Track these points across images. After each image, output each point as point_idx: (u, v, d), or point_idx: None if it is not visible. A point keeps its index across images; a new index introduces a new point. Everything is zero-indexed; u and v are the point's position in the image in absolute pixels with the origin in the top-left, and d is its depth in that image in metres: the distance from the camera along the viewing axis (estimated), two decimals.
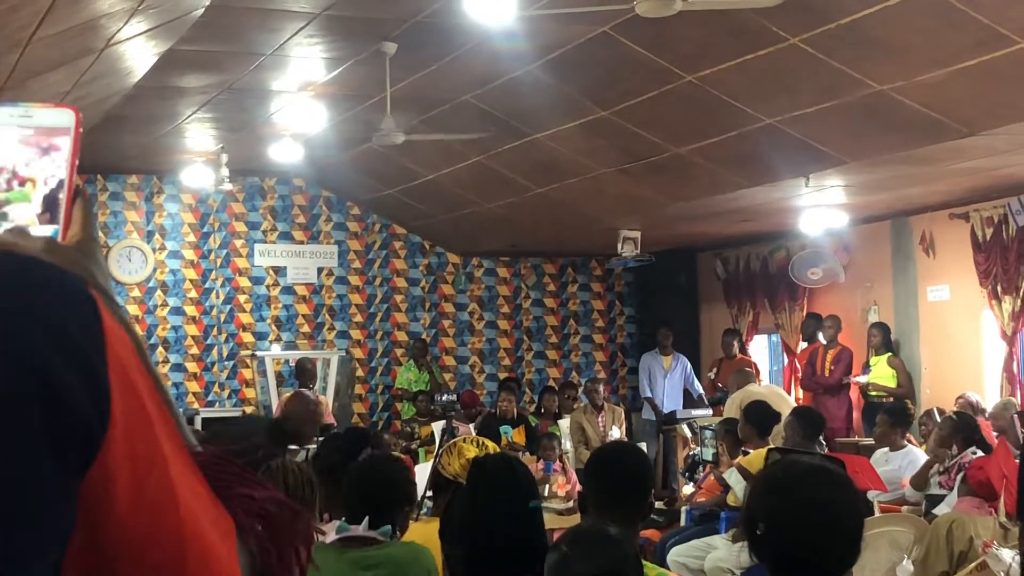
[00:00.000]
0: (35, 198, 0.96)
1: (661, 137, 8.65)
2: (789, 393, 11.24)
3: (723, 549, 7.28)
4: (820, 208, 10.27)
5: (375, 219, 13.37)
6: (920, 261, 10.91)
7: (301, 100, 9.04)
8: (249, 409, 12.41)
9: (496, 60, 7.76)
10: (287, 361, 12.46)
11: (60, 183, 0.97)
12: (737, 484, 7.35)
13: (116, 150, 10.74)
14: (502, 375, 13.57)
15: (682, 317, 13.62)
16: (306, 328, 13.04)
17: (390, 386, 13.24)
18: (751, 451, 7.57)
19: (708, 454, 8.77)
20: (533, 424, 11.01)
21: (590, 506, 3.54)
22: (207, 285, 12.70)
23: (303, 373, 11.27)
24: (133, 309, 12.14)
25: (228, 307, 12.75)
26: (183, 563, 0.86)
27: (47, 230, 0.96)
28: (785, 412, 8.15)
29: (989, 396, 9.87)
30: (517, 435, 10.46)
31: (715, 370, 12.58)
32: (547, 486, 8.51)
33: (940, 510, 7.18)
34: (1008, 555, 5.48)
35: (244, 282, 12.84)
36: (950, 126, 7.16)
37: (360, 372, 13.24)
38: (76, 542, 0.81)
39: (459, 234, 12.94)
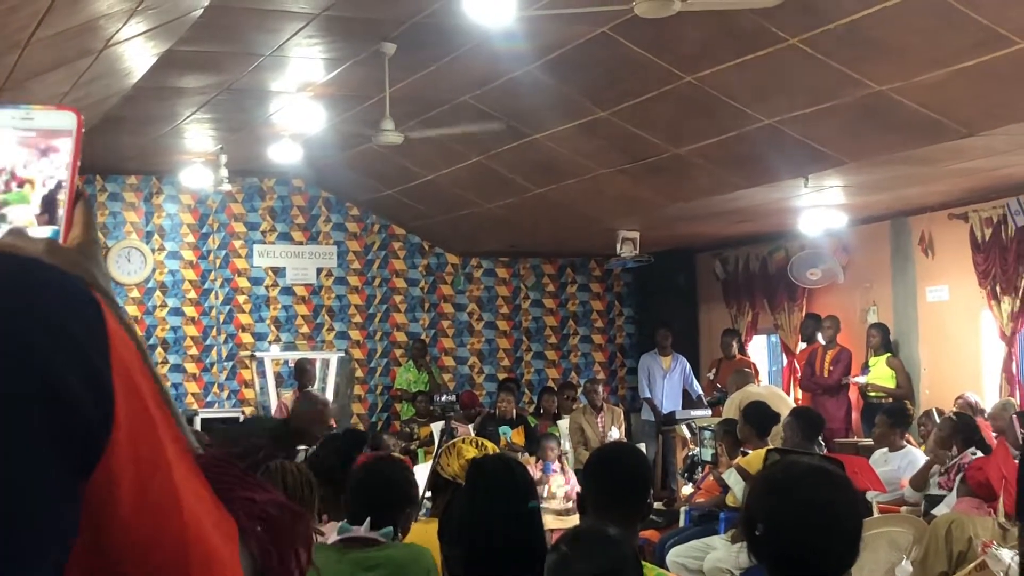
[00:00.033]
0: (33, 199, 0.96)
1: (660, 138, 8.65)
2: (788, 394, 11.24)
3: (722, 550, 7.27)
4: (819, 208, 10.26)
5: (374, 220, 13.36)
6: (919, 261, 10.91)
7: (300, 101, 9.04)
8: (248, 410, 12.40)
9: (495, 61, 7.76)
10: (286, 362, 12.46)
11: (59, 184, 0.97)
12: (736, 485, 7.35)
13: (115, 151, 10.73)
14: (501, 376, 13.57)
15: (681, 318, 13.61)
16: (305, 329, 13.03)
17: (389, 387, 13.23)
18: (750, 452, 7.56)
19: (707, 455, 8.77)
20: (532, 425, 11.01)
21: (589, 507, 3.54)
22: (206, 286, 12.69)
23: (302, 374, 11.25)
24: (132, 310, 12.12)
25: (227, 308, 12.74)
26: (186, 566, 0.86)
27: (45, 231, 0.96)
28: (784, 413, 8.15)
29: (988, 396, 9.86)
30: (516, 436, 10.46)
31: (714, 371, 12.56)
32: (546, 487, 8.52)
33: (939, 511, 7.17)
34: (1007, 555, 5.48)
35: (243, 283, 12.84)
36: (949, 126, 7.16)
37: (359, 373, 13.24)
38: (80, 544, 0.81)
39: (458, 235, 12.94)
